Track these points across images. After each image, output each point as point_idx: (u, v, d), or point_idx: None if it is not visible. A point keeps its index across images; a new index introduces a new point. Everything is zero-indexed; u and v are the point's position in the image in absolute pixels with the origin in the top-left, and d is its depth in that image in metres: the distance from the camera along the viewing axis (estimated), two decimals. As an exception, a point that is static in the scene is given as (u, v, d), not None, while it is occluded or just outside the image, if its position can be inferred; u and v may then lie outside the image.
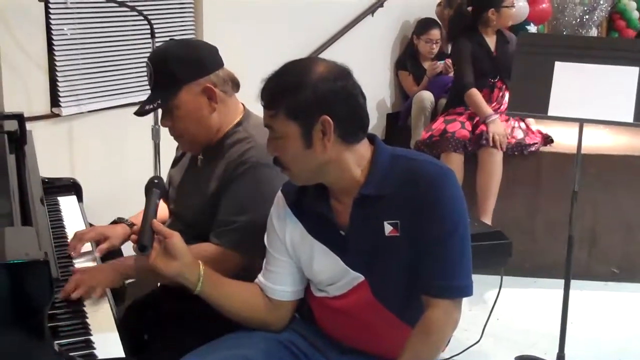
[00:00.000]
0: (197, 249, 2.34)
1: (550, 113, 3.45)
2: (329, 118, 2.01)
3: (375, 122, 6.31)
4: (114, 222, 2.76)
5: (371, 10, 6.15)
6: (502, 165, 4.83)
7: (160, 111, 2.50)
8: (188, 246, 2.20)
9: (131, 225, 2.72)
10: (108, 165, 4.29)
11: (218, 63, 2.49)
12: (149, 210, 2.15)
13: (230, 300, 2.23)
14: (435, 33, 6.48)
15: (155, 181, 2.26)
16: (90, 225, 2.88)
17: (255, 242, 2.32)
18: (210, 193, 2.45)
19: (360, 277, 2.14)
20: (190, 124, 2.46)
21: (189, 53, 2.44)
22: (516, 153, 4.90)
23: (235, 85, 2.52)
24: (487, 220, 4.74)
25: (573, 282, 3.54)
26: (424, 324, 2.05)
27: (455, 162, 4.85)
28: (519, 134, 4.98)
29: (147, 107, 2.46)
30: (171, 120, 2.47)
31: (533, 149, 4.93)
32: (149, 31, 3.93)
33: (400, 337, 2.08)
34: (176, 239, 2.14)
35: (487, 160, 4.84)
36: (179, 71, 2.41)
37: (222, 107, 2.48)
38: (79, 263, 2.52)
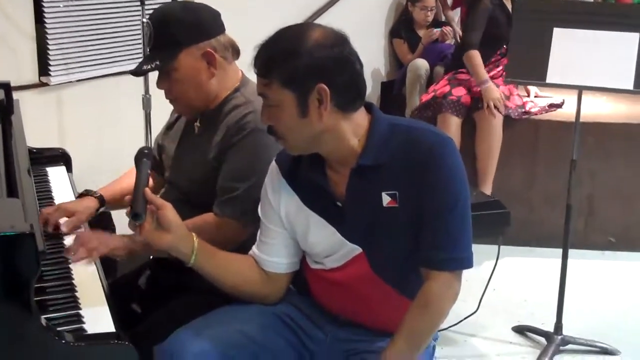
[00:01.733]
0: (199, 221, 2.32)
1: (548, 80, 3.41)
2: (325, 86, 1.94)
3: (370, 91, 6.25)
4: (81, 195, 2.69)
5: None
6: (501, 130, 4.78)
7: (155, 77, 2.44)
8: (191, 219, 2.14)
9: (100, 197, 2.66)
10: (97, 135, 4.24)
11: (220, 28, 2.44)
12: (141, 179, 2.10)
13: (225, 272, 2.18)
14: (431, 0, 6.41)
15: (145, 151, 2.21)
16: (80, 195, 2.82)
17: (254, 211, 2.27)
18: (209, 160, 2.40)
19: (358, 249, 2.09)
20: (187, 87, 2.40)
21: (191, 16, 2.38)
22: (515, 116, 4.84)
23: (236, 52, 2.47)
24: (487, 189, 4.70)
25: (570, 252, 3.52)
26: (423, 297, 2.01)
27: (452, 125, 4.81)
28: (518, 101, 4.92)
29: (144, 67, 2.41)
30: (168, 83, 2.42)
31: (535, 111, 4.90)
32: (139, -3, 3.85)
33: (398, 310, 2.04)
34: (169, 210, 2.08)
35: (485, 125, 4.78)
36: (180, 33, 2.35)
37: (221, 73, 2.42)
38: (69, 237, 2.46)
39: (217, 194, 2.37)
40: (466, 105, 4.88)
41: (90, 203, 2.63)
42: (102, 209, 2.66)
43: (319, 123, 1.98)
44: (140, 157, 2.19)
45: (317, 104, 1.96)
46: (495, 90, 4.77)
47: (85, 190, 2.70)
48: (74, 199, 2.73)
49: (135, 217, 2.03)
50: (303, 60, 1.94)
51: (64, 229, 2.48)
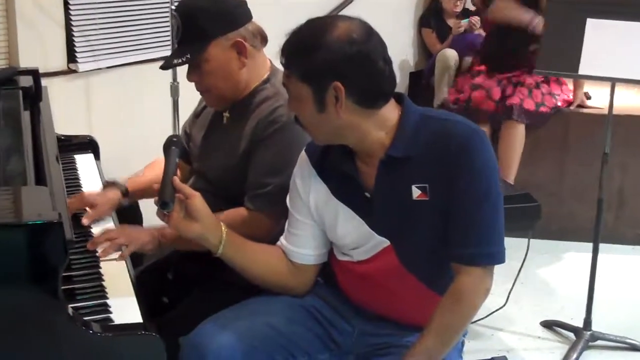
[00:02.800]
0: (232, 214, 2.30)
1: (581, 72, 3.36)
2: (340, 84, 1.92)
3: (398, 81, 6.19)
4: (106, 185, 2.67)
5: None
6: (524, 137, 4.71)
7: (185, 66, 2.41)
8: (223, 211, 2.14)
9: (125, 190, 2.62)
10: (125, 123, 4.23)
11: (247, 16, 2.41)
12: (169, 168, 2.09)
13: (253, 263, 2.17)
14: (460, -11, 6.36)
15: (174, 139, 2.19)
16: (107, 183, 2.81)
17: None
18: (239, 152, 2.38)
19: (386, 242, 2.06)
20: (218, 79, 2.38)
21: (218, 6, 2.36)
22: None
23: (264, 39, 2.44)
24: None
25: (600, 246, 3.47)
26: (455, 292, 1.97)
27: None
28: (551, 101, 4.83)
29: (175, 62, 2.38)
30: (198, 75, 2.39)
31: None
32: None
33: (427, 305, 2.01)
34: (197, 199, 2.06)
35: (509, 133, 4.72)
36: (209, 25, 2.33)
37: (251, 62, 2.40)
38: (96, 225, 2.45)
39: (249, 187, 2.35)
40: (488, 111, 4.80)
41: (114, 195, 2.59)
42: (126, 200, 2.62)
43: (337, 119, 1.96)
44: (169, 145, 2.18)
45: (334, 101, 1.94)
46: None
47: (111, 181, 2.67)
48: (101, 187, 2.72)
49: (163, 205, 2.01)
50: (320, 57, 1.92)
51: (84, 221, 2.45)
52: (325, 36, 1.92)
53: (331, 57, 1.91)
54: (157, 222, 2.15)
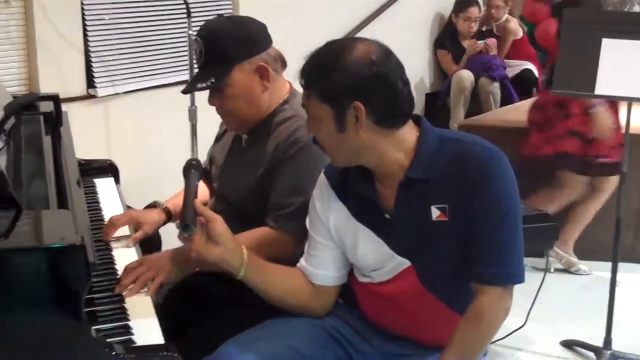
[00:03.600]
0: (254, 234, 2.32)
1: (597, 92, 3.36)
2: (361, 104, 1.93)
3: (415, 102, 6.23)
4: (149, 206, 2.70)
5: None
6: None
7: (204, 90, 2.44)
8: (244, 232, 2.15)
9: (166, 210, 2.65)
10: (144, 147, 4.27)
11: (268, 40, 2.44)
12: (190, 191, 2.10)
13: (274, 285, 2.17)
14: (474, 11, 6.41)
15: (193, 162, 2.21)
16: (128, 207, 2.84)
17: None
18: (258, 173, 2.40)
19: (406, 263, 2.07)
20: (241, 102, 2.41)
21: (241, 30, 2.39)
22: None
23: (284, 63, 2.47)
24: (569, 248, 4.48)
25: (619, 265, 3.45)
26: (474, 312, 1.98)
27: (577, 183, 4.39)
28: None
29: (198, 86, 2.42)
30: (220, 99, 2.42)
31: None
32: (184, 10, 3.87)
33: (448, 325, 2.02)
34: (219, 223, 2.07)
35: (599, 187, 4.36)
36: (232, 49, 2.36)
37: (272, 85, 2.43)
38: (117, 248, 2.47)
39: (272, 208, 2.36)
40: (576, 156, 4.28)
41: (159, 217, 2.63)
42: (169, 223, 2.66)
43: (357, 139, 1.97)
44: (188, 168, 2.19)
45: (354, 121, 1.95)
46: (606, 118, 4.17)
47: (154, 202, 2.70)
48: (123, 210, 2.74)
49: (185, 228, 2.02)
50: (340, 77, 1.94)
51: (130, 243, 2.46)
52: (345, 57, 1.95)
53: (351, 77, 1.93)
54: (176, 244, 2.16)
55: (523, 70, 6.58)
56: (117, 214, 2.59)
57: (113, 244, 2.48)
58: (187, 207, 2.04)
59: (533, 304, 3.51)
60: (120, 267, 2.29)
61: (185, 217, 2.03)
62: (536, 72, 6.64)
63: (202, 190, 2.65)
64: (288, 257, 2.28)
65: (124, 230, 2.54)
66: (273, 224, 2.35)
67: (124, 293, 2.14)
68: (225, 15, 2.84)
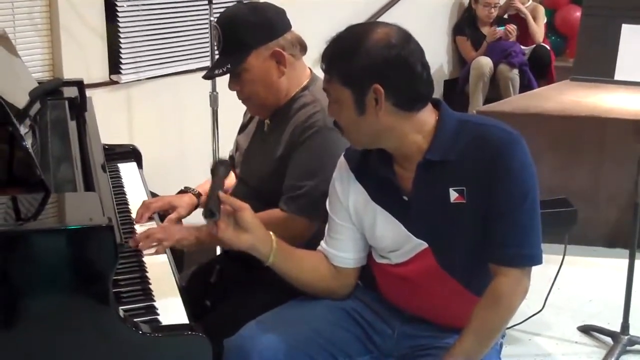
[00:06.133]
0: (266, 215, 2.33)
1: (616, 77, 3.35)
2: (380, 87, 1.96)
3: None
4: (181, 192, 2.75)
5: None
6: None
7: (225, 76, 2.48)
8: (257, 213, 2.17)
9: (198, 194, 2.71)
10: (166, 132, 4.31)
11: (286, 26, 2.47)
12: (216, 182, 2.11)
13: (299, 270, 2.20)
14: (494, -3, 6.39)
15: (221, 162, 2.24)
16: (152, 193, 2.88)
17: (321, 208, 2.30)
18: (276, 157, 2.44)
19: (424, 245, 2.10)
20: (259, 88, 2.44)
21: (258, 16, 2.42)
22: None
23: (303, 48, 2.50)
24: None
25: (637, 252, 3.46)
26: (493, 293, 2.01)
27: None
28: None
29: (216, 72, 2.46)
30: (239, 84, 2.46)
31: None
32: (206, -3, 3.91)
33: (466, 306, 2.05)
34: (247, 212, 2.09)
35: None
36: (248, 35, 2.39)
37: (291, 70, 2.45)
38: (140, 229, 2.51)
39: (284, 190, 2.40)
40: None
41: (191, 200, 2.69)
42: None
43: (376, 122, 2.00)
44: (216, 167, 2.22)
45: (374, 103, 1.98)
46: None
47: (185, 187, 2.75)
48: (146, 194, 2.79)
49: (209, 214, 2.03)
50: (360, 60, 1.96)
51: (167, 222, 2.55)
52: (365, 40, 1.97)
53: (371, 60, 1.96)
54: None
55: (537, 48, 6.53)
56: (152, 198, 2.66)
57: (138, 227, 2.54)
58: (211, 195, 2.06)
59: (550, 289, 3.52)
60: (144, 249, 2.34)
61: (210, 203, 2.04)
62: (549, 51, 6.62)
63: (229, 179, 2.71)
64: (299, 240, 2.31)
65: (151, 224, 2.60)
66: (284, 206, 2.39)
67: (136, 245, 2.24)
68: (244, 1, 2.87)
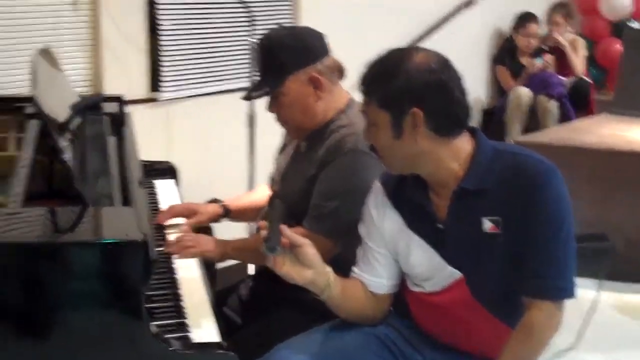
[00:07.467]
0: None
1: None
2: (419, 110, 1.96)
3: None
4: (210, 202, 2.83)
5: (468, 2, 6.06)
6: None
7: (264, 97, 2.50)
8: None
9: (224, 206, 2.77)
10: (204, 151, 4.33)
11: (325, 51, 2.48)
12: (275, 214, 2.09)
13: (344, 299, 2.17)
14: (534, 27, 6.39)
15: (278, 194, 2.25)
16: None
17: (344, 230, 2.31)
18: (308, 177, 2.44)
19: (458, 274, 2.08)
20: (295, 111, 2.46)
21: (297, 41, 2.44)
22: None
23: (341, 73, 2.51)
24: None
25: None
26: (525, 326, 1.99)
27: None
28: None
29: (254, 94, 2.49)
30: (276, 107, 2.48)
31: None
32: (248, 18, 3.94)
33: (499, 338, 2.03)
34: (309, 247, 2.07)
35: None
36: (287, 59, 2.41)
37: (328, 95, 2.46)
38: (170, 234, 2.58)
39: (310, 209, 2.41)
40: None
41: (216, 209, 2.76)
42: (225, 219, 2.79)
43: (414, 146, 1.99)
44: (272, 197, 2.22)
45: (411, 127, 1.98)
46: None
47: (214, 199, 2.81)
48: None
49: (271, 250, 1.98)
50: (399, 83, 1.96)
51: (184, 227, 2.62)
52: (405, 63, 1.98)
53: (411, 83, 1.96)
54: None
55: (577, 80, 6.50)
56: (177, 204, 2.74)
57: (167, 230, 2.60)
58: (272, 229, 2.01)
59: (585, 323, 3.48)
60: (177, 266, 2.36)
61: (272, 238, 1.99)
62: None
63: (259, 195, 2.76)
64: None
65: (178, 221, 2.67)
66: (307, 224, 2.39)
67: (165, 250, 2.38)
68: (284, 25, 2.90)
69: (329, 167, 2.39)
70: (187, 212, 2.70)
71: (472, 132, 2.10)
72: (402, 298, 2.26)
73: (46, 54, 2.71)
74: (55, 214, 1.94)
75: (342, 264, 2.26)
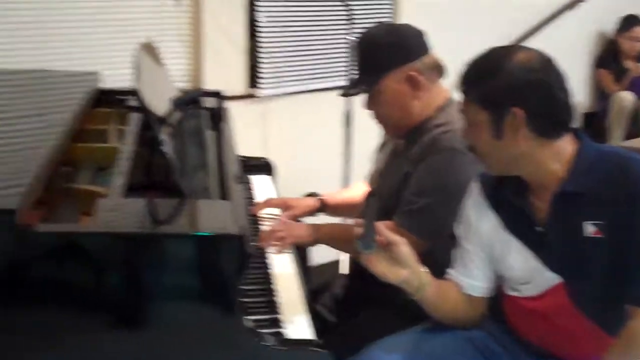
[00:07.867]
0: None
1: None
2: (520, 110, 1.90)
3: (572, 120, 6.11)
4: (307, 196, 2.85)
5: (572, 4, 5.93)
6: None
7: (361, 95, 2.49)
8: None
9: (321, 201, 2.78)
10: (300, 147, 4.36)
11: (424, 49, 2.45)
12: (370, 212, 2.06)
13: (438, 301, 2.14)
14: (638, 30, 6.21)
15: (373, 192, 2.24)
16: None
17: (432, 228, 2.28)
18: (403, 174, 2.42)
19: (557, 279, 2.02)
20: (392, 110, 2.44)
21: (395, 39, 2.41)
22: None
23: (441, 71, 2.47)
24: None
25: None
26: (627, 336, 1.92)
27: None
28: None
29: (351, 91, 2.49)
30: (373, 105, 2.47)
31: None
32: (347, 16, 3.93)
33: (598, 346, 1.97)
34: (404, 246, 2.05)
35: None
36: (385, 57, 2.39)
37: (426, 93, 2.43)
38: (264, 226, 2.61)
39: (401, 204, 2.39)
40: None
41: (312, 203, 2.78)
42: (321, 214, 2.80)
43: (514, 147, 1.94)
44: (368, 198, 2.21)
45: (512, 128, 1.92)
46: None
47: (311, 193, 2.83)
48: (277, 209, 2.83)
49: (366, 247, 1.98)
50: (500, 81, 1.91)
51: (283, 219, 2.64)
52: (506, 62, 1.92)
53: (511, 82, 1.90)
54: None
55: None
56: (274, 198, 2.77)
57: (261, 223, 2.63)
58: (368, 227, 1.99)
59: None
60: (271, 262, 2.37)
61: (368, 236, 1.99)
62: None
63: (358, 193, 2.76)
64: None
65: (275, 212, 2.71)
66: (397, 219, 2.37)
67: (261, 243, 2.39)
68: (384, 22, 2.87)
69: (423, 163, 2.36)
70: (282, 204, 2.72)
71: (575, 133, 2.03)
72: (497, 302, 2.21)
73: (149, 48, 2.75)
74: (154, 205, 1.96)
75: (434, 264, 2.23)
